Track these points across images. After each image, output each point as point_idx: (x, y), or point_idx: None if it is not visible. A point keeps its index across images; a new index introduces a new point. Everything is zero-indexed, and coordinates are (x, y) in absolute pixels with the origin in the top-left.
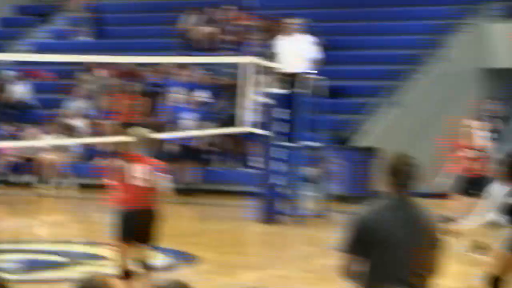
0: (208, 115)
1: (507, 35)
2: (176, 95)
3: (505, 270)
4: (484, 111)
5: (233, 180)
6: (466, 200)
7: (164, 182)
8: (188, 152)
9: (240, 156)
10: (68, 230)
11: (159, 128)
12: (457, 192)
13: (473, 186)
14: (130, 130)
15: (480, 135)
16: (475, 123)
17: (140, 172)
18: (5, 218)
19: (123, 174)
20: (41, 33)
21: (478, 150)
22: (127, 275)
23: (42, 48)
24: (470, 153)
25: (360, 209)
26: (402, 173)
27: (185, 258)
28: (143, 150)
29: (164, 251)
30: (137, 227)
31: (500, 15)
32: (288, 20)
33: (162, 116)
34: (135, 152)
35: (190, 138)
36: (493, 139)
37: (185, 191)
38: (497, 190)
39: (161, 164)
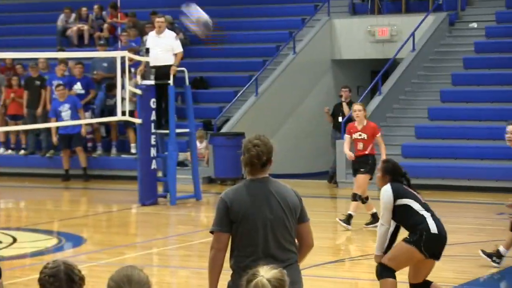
0: (87, 106)
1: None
2: (56, 89)
3: None
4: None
5: (114, 166)
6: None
7: None
8: (70, 141)
9: (119, 143)
10: None
11: (41, 119)
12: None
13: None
14: None
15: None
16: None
17: None
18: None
19: None
20: None
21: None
22: None
23: None
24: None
25: (224, 191)
26: (252, 153)
27: (72, 239)
28: None
29: (51, 233)
30: None
31: (345, 11)
32: (156, 18)
33: (43, 108)
34: None
35: (72, 128)
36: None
37: (68, 177)
38: None
39: None
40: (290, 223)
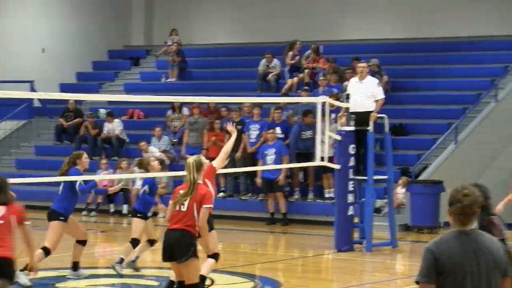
0: (286, 151)
1: None
2: (256, 132)
3: None
4: None
5: (311, 211)
6: None
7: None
8: (271, 185)
9: (316, 188)
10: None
11: (240, 163)
12: None
13: None
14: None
15: None
16: None
17: None
18: (102, 245)
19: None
20: (131, 75)
21: None
22: None
23: (131, 89)
24: None
25: (431, 240)
26: (465, 203)
27: (268, 283)
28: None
29: (249, 276)
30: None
31: None
32: (358, 63)
33: (244, 151)
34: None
35: (272, 172)
36: None
37: (270, 221)
38: None
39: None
40: (496, 280)
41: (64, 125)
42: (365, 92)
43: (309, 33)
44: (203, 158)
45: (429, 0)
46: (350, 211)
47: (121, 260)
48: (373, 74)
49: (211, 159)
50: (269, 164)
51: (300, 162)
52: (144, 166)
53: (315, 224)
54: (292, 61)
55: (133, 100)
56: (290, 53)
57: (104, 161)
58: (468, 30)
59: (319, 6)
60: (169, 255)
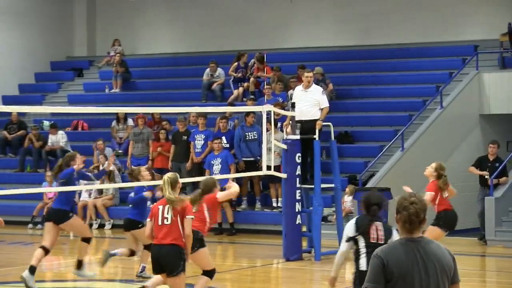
0: (232, 160)
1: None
2: (201, 142)
3: None
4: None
5: (259, 221)
6: None
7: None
8: None
9: (263, 197)
10: (107, 269)
11: (187, 173)
12: None
13: None
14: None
15: None
16: None
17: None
18: (48, 258)
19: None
20: (74, 87)
21: None
22: None
23: (74, 101)
24: None
25: (379, 247)
26: (411, 210)
27: None
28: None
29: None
30: None
31: (494, 65)
32: (304, 72)
33: (190, 161)
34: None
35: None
36: None
37: (218, 231)
38: None
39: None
40: (445, 286)
41: (7, 138)
42: (311, 101)
43: (254, 42)
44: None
45: (373, 7)
46: (298, 220)
47: (144, 268)
48: (317, 82)
49: (157, 170)
50: (215, 173)
51: (246, 171)
52: (134, 176)
53: (263, 234)
54: (237, 74)
55: (78, 112)
56: (235, 64)
57: (49, 173)
58: (413, 37)
59: (264, 14)
60: (159, 268)
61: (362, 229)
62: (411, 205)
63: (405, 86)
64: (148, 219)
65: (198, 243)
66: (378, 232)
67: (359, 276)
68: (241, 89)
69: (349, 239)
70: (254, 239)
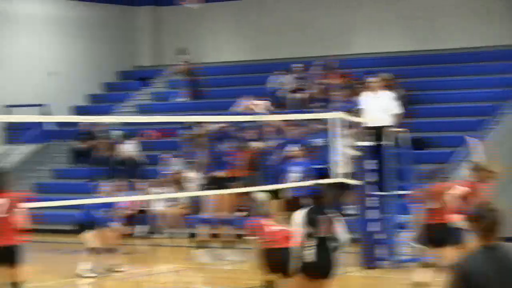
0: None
1: None
2: (276, 150)
3: None
4: None
5: None
6: None
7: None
8: (293, 203)
9: (336, 205)
10: (184, 278)
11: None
12: None
13: None
14: None
15: None
16: None
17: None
18: (125, 267)
19: None
20: (141, 96)
21: None
22: None
23: (143, 110)
24: None
25: (459, 256)
26: (493, 218)
27: None
28: None
29: None
30: None
31: None
32: (371, 78)
33: (265, 170)
34: None
35: (294, 190)
36: None
37: None
38: None
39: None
40: None
41: (81, 148)
42: (380, 106)
43: (319, 48)
44: None
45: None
46: (372, 227)
47: None
48: (388, 87)
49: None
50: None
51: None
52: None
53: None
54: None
55: (149, 121)
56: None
57: (120, 182)
58: (486, 41)
59: (329, 19)
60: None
61: None
62: (492, 213)
63: (475, 91)
64: None
65: None
66: None
67: None
68: (307, 95)
69: None
70: None
